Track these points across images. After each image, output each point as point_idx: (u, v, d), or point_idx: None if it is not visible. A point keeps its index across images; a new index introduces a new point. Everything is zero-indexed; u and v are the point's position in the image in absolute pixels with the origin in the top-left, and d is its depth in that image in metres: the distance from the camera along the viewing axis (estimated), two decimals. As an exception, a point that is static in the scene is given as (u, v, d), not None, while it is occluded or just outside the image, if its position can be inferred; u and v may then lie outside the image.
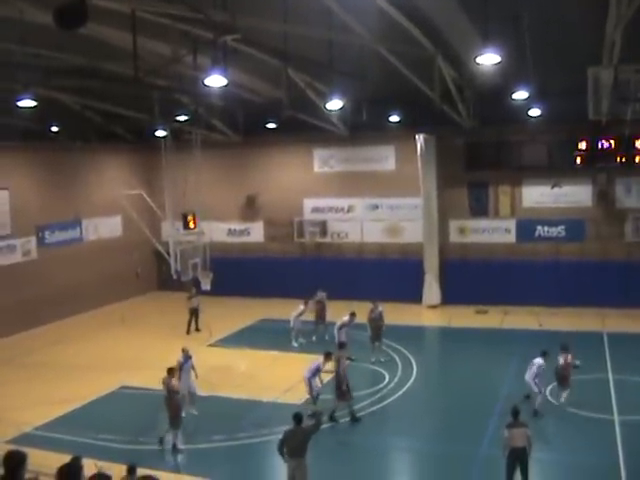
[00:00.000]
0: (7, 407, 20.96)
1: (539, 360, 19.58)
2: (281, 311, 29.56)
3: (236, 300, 34.63)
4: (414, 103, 26.34)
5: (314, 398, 19.90)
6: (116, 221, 36.86)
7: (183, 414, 18.76)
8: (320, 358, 20.61)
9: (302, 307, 27.92)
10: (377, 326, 25.66)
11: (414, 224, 33.97)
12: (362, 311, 25.91)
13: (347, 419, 19.69)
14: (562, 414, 19.19)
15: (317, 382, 20.20)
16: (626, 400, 20.14)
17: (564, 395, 19.87)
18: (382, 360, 25.14)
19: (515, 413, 15.05)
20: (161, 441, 18.22)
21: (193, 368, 20.80)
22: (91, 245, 35.35)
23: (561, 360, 19.92)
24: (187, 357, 20.72)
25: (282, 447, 14.41)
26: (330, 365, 20.39)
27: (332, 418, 19.59)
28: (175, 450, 18.02)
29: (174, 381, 18.68)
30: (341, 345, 22.02)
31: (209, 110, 29.51)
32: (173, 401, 18.12)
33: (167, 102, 27.18)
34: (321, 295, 29.06)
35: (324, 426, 18.62)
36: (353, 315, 25.61)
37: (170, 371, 18.79)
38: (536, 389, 19.52)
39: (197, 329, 30.35)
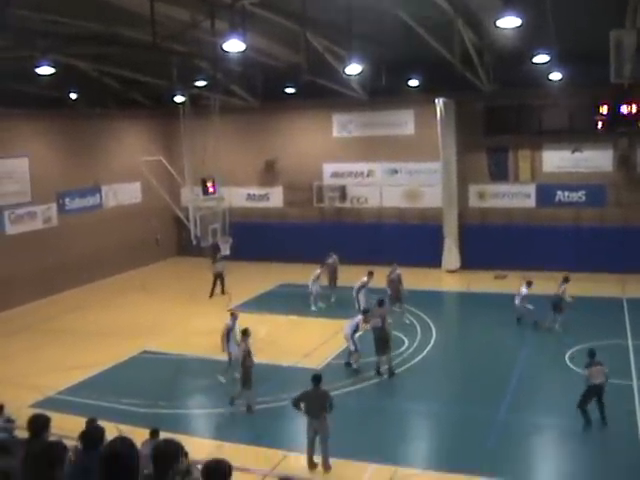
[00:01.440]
0: (30, 373, 21.27)
1: (524, 290, 24.28)
2: (300, 276, 29.62)
3: (255, 265, 34.73)
4: (433, 67, 26.11)
5: (357, 351, 20.87)
6: (135, 187, 36.96)
7: (222, 379, 19.20)
8: (359, 316, 21.42)
9: (318, 271, 28.19)
10: (396, 288, 26.21)
11: (433, 189, 33.86)
12: (381, 276, 25.97)
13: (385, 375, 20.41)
14: (581, 379, 19.21)
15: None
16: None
17: (559, 321, 23.77)
18: (406, 322, 25.46)
19: (592, 354, 16.67)
20: (232, 402, 18.41)
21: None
22: (111, 212, 35.51)
23: (561, 290, 24.05)
24: (235, 320, 20.78)
25: (297, 403, 15.08)
26: (365, 324, 21.27)
27: (378, 372, 20.49)
28: (249, 411, 18.20)
29: (249, 341, 18.84)
30: (381, 302, 21.86)
31: (227, 75, 29.35)
32: (246, 362, 18.24)
33: (185, 68, 27.08)
34: (333, 258, 29.35)
35: (345, 390, 18.85)
36: (371, 274, 26.15)
37: (245, 332, 18.86)
38: (530, 307, 24.12)
39: (222, 292, 30.52)
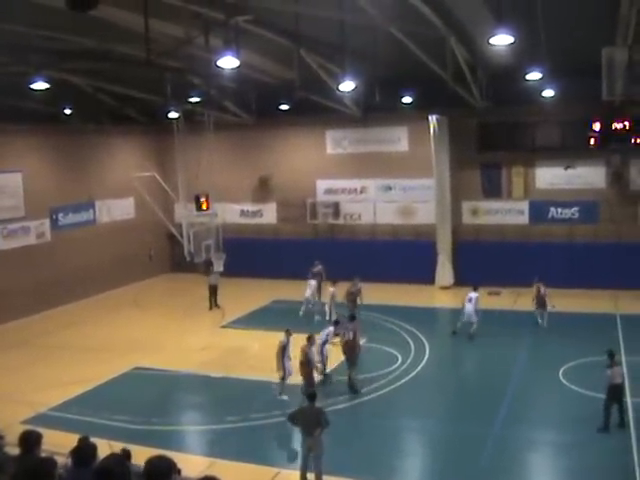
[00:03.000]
0: (22, 388, 21.13)
1: (474, 294, 25.08)
2: (294, 292, 29.61)
3: (249, 281, 34.69)
4: (427, 84, 26.20)
5: (323, 365, 21.24)
6: (129, 203, 36.94)
7: (285, 397, 19.62)
8: (330, 327, 21.87)
9: (313, 282, 29.17)
10: (354, 302, 26.92)
11: (427, 205, 33.92)
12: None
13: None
14: (575, 395, 19.19)
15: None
16: (639, 382, 20.09)
17: (545, 317, 25.92)
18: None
19: (611, 355, 17.35)
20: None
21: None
22: (104, 227, 35.46)
23: (542, 290, 26.08)
24: (289, 337, 20.71)
25: (293, 419, 15.03)
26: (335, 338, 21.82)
27: (353, 389, 20.38)
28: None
29: (313, 349, 19.91)
30: (352, 317, 22.27)
31: (221, 91, 29.44)
32: (309, 368, 19.05)
33: (179, 84, 27.14)
34: (318, 267, 30.22)
35: (340, 406, 18.79)
36: (335, 282, 27.47)
37: (309, 339, 19.90)
38: (475, 318, 24.80)
39: (216, 305, 30.73)
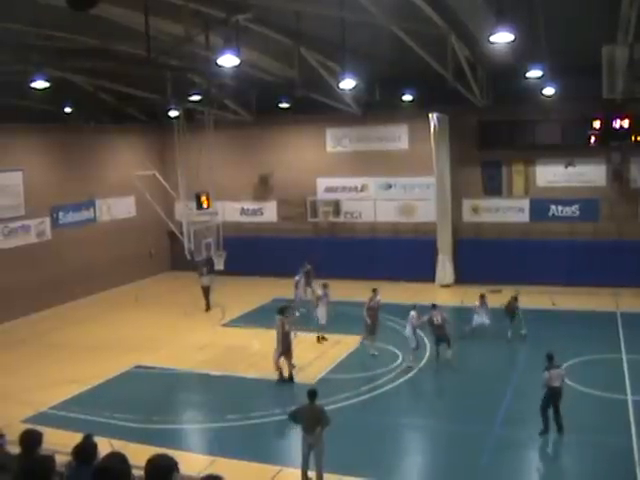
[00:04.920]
0: (23, 387, 21.15)
1: (412, 312, 22.73)
2: (294, 291, 29.57)
3: (249, 280, 34.69)
4: (427, 82, 26.16)
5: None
6: (129, 201, 36.94)
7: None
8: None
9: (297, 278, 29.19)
10: (376, 316, 24.04)
11: (427, 203, 33.91)
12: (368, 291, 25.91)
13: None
14: (575, 393, 19.18)
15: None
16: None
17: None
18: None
19: (550, 357, 17.06)
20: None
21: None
22: (105, 226, 35.47)
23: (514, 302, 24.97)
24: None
25: (294, 417, 14.99)
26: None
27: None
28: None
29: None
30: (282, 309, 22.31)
31: (222, 90, 29.45)
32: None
33: (180, 82, 27.15)
34: (307, 267, 29.90)
35: (339, 405, 18.77)
36: (326, 286, 25.97)
37: (374, 290, 23.85)
38: (413, 344, 22.46)
39: (208, 307, 30.61)
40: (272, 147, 36.92)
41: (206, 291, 30.61)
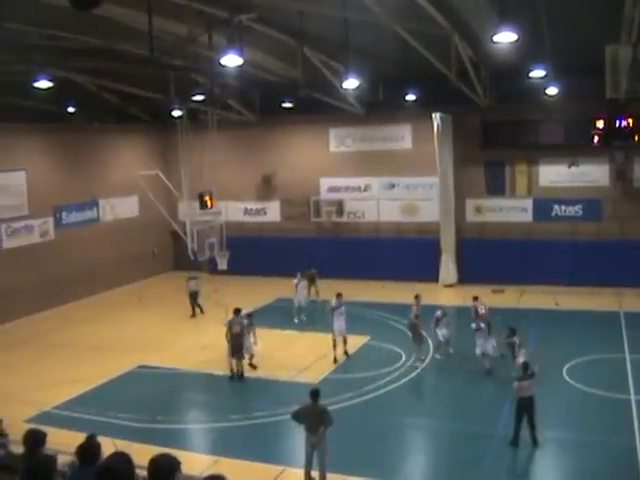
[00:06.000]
0: (26, 387, 21.17)
1: (438, 312, 23.22)
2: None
3: (252, 279, 34.68)
4: (430, 82, 26.20)
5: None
6: (133, 201, 36.96)
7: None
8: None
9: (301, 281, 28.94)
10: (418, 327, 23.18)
11: (430, 203, 33.90)
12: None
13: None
14: (578, 393, 19.17)
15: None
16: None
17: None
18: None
19: (525, 367, 16.79)
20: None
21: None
22: (108, 225, 35.49)
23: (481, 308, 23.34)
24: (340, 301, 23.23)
25: (297, 417, 14.94)
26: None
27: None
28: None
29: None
30: (237, 310, 22.84)
31: (225, 90, 29.46)
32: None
33: (183, 82, 27.17)
34: (312, 272, 29.98)
35: (343, 405, 18.77)
36: (340, 295, 23.82)
37: (417, 297, 23.40)
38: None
39: (193, 315, 30.03)
40: (275, 147, 36.92)
41: (193, 297, 30.12)
